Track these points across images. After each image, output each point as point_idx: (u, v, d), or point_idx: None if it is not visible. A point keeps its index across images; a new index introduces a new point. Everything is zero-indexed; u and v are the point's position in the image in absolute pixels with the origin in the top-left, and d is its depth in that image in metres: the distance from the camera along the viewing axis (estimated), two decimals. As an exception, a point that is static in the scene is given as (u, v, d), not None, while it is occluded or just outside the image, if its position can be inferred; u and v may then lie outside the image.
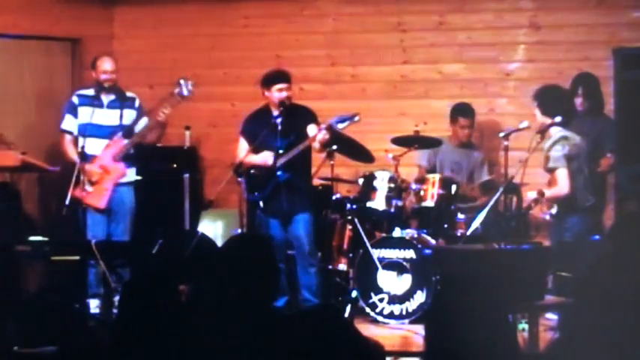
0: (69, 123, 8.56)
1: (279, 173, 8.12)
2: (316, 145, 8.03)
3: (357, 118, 8.07)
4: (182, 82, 8.41)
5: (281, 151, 8.12)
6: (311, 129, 8.15)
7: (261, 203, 8.18)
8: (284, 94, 8.14)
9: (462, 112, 9.01)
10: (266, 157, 8.16)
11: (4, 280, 7.32)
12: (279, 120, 8.18)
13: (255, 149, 8.23)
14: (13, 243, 7.87)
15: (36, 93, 9.50)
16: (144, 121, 8.55)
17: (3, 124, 9.04)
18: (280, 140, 8.16)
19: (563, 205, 7.54)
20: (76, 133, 8.52)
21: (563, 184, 7.48)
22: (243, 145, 8.35)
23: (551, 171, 7.55)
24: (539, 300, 6.48)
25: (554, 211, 7.62)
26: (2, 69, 9.26)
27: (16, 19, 9.19)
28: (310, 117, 8.25)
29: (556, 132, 7.57)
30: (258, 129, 8.21)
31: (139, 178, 8.68)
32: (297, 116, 8.21)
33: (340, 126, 8.01)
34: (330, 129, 7.96)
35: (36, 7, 9.37)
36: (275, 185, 8.13)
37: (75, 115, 8.53)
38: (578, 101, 8.47)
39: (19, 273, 7.76)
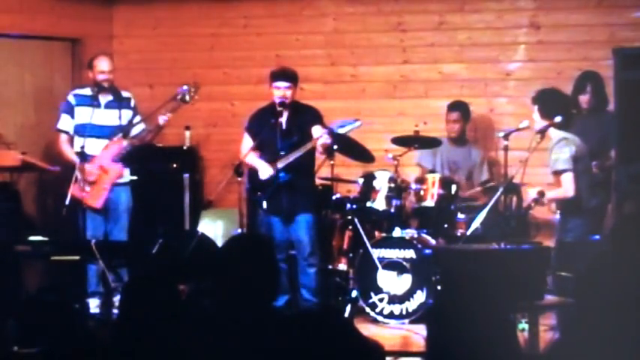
0: (65, 123, 8.53)
1: (280, 175, 8.11)
2: (319, 147, 8.02)
3: (358, 124, 8.07)
4: (186, 88, 8.38)
5: (282, 152, 8.11)
6: (316, 130, 8.13)
7: (264, 204, 8.18)
8: (281, 92, 8.12)
9: (450, 106, 9.08)
10: (264, 170, 8.14)
11: (4, 280, 7.32)
12: (283, 119, 8.18)
13: (258, 147, 8.23)
14: (13, 243, 7.86)
15: (36, 93, 9.49)
16: (142, 125, 8.54)
17: (3, 124, 9.04)
18: (283, 140, 8.15)
19: (567, 206, 7.52)
20: (72, 133, 8.49)
21: (568, 187, 7.43)
22: (246, 143, 8.34)
23: (556, 174, 7.51)
24: (539, 300, 6.47)
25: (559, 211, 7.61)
26: (2, 69, 9.25)
27: (16, 19, 9.19)
28: (316, 117, 8.22)
29: (556, 134, 7.53)
30: (263, 127, 8.20)
31: (134, 178, 8.68)
32: (302, 116, 8.20)
33: (341, 131, 8.02)
34: (331, 134, 7.95)
35: (36, 7, 9.36)
36: (276, 186, 8.12)
37: (72, 115, 8.50)
38: (585, 99, 8.49)
39: (19, 273, 7.76)
